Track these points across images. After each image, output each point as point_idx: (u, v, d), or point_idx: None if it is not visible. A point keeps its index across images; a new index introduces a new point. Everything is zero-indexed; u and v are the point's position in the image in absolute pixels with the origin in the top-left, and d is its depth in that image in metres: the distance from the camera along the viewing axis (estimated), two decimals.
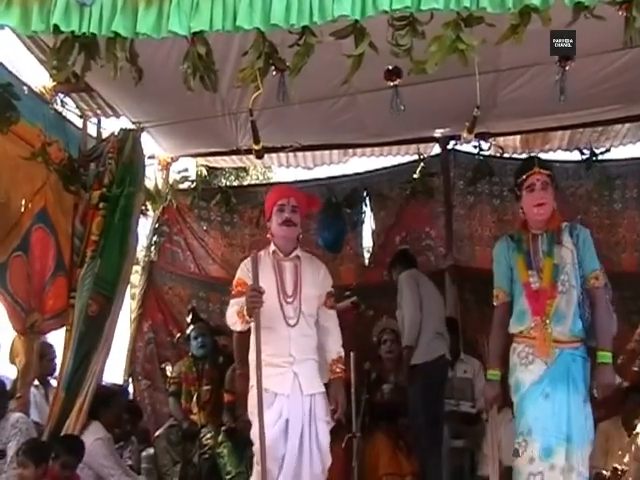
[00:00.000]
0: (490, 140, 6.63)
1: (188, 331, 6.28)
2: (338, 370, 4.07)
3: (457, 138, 6.53)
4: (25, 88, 5.17)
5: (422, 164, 6.88)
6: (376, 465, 5.18)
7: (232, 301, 3.97)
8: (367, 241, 7.25)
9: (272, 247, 4.08)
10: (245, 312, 3.75)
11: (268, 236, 4.16)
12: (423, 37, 2.91)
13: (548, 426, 3.57)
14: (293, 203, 4.06)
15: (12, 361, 5.67)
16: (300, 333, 3.92)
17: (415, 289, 5.40)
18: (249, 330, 3.93)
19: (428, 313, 5.34)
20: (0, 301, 5.17)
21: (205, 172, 7.52)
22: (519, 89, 5.34)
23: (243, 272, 4.01)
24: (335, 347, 4.11)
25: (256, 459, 3.84)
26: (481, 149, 6.68)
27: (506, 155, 6.91)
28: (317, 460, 3.85)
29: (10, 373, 5.74)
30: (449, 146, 6.77)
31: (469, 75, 3.38)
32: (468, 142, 6.41)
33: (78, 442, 4.84)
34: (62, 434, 5.00)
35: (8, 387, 5.48)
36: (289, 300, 3.95)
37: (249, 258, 3.95)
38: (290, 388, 3.85)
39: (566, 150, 6.90)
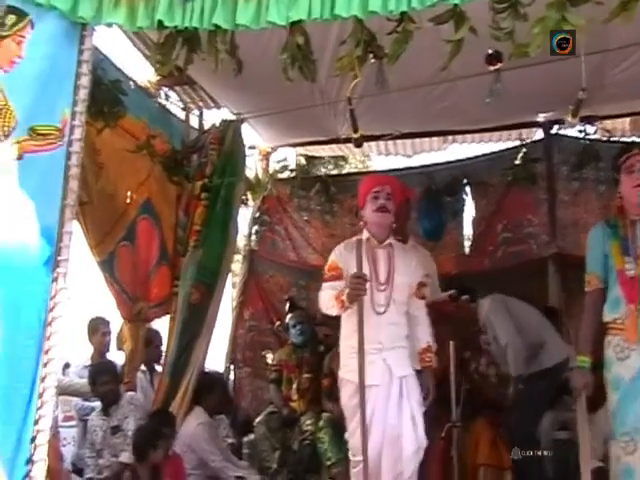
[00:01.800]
0: (597, 123, 6.39)
1: (287, 319, 6.35)
2: (427, 359, 4.06)
3: (561, 122, 6.34)
4: (131, 83, 5.32)
5: (524, 150, 6.70)
6: (475, 455, 5.11)
7: (325, 284, 3.97)
8: (467, 229, 7.15)
9: (365, 234, 4.06)
10: (346, 298, 3.75)
11: (361, 224, 4.14)
12: (525, 19, 2.83)
13: None
14: (388, 190, 4.04)
15: (120, 347, 5.90)
16: (389, 321, 3.90)
17: (505, 314, 5.26)
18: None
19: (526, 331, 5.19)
20: (108, 289, 5.36)
21: (304, 161, 7.58)
22: (629, 69, 5.11)
23: (337, 256, 4.00)
24: (424, 337, 4.09)
25: (352, 452, 3.86)
26: (587, 133, 6.45)
27: (614, 139, 6.64)
28: (411, 438, 3.82)
29: (118, 359, 5.98)
30: (553, 131, 6.57)
31: (574, 57, 3.26)
32: (573, 126, 6.21)
33: (170, 414, 5.04)
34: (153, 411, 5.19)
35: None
36: (381, 288, 3.93)
37: (343, 243, 3.95)
38: (380, 377, 3.83)
39: None
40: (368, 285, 3.83)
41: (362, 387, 3.72)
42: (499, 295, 5.42)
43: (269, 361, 6.48)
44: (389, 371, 3.86)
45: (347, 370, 3.91)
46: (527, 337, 5.15)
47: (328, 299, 3.90)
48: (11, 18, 3.19)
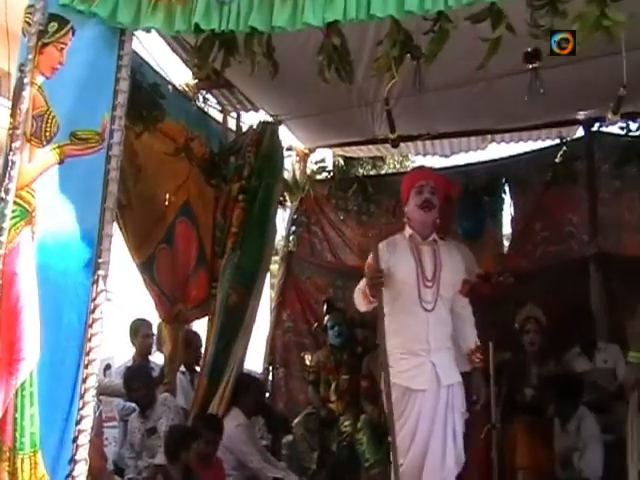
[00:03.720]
0: (639, 120, 6.28)
1: (325, 321, 6.35)
2: (477, 360, 4.01)
3: (602, 119, 6.24)
4: (170, 87, 5.36)
5: (564, 148, 6.62)
6: (513, 457, 5.05)
7: (361, 282, 3.92)
8: (506, 228, 7.08)
9: (408, 231, 3.99)
10: (368, 291, 3.74)
11: (404, 219, 4.06)
12: (564, 16, 2.79)
13: None
14: (432, 185, 3.95)
15: (159, 349, 5.96)
16: (437, 319, 3.85)
17: None
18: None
19: None
20: (148, 291, 5.41)
21: (342, 162, 7.57)
22: None
23: (377, 255, 3.90)
24: (472, 336, 4.05)
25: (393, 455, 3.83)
26: (629, 130, 6.34)
27: None
28: (451, 452, 3.77)
29: (158, 360, 6.04)
30: (594, 128, 6.48)
31: (615, 53, 3.21)
32: (614, 123, 6.12)
33: (218, 420, 5.05)
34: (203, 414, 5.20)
35: (156, 373, 5.78)
36: (428, 284, 3.86)
37: (385, 241, 3.92)
38: (428, 382, 3.78)
39: None
40: (415, 281, 3.81)
41: (387, 383, 3.68)
42: None
43: (307, 362, 6.49)
44: (437, 378, 3.80)
45: (395, 372, 3.81)
46: None
47: (356, 295, 3.92)
48: (53, 25, 3.25)
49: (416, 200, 3.95)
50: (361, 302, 3.89)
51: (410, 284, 3.82)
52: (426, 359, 3.80)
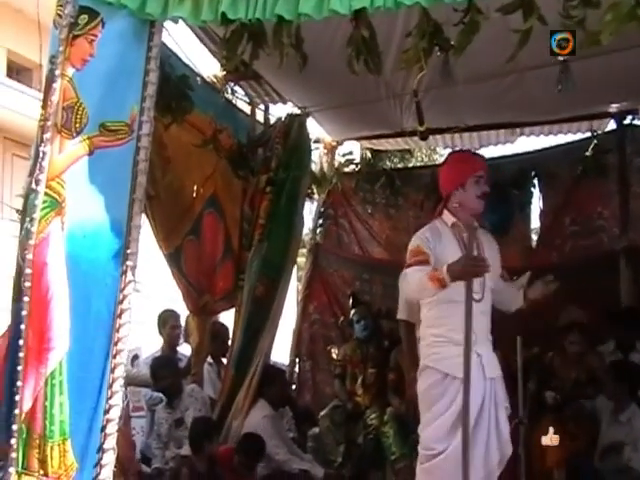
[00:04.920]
0: None
1: (351, 315, 6.34)
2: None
3: (634, 112, 6.18)
4: (198, 79, 5.36)
5: (595, 141, 6.54)
6: (543, 454, 5.00)
7: (411, 269, 3.73)
8: (535, 222, 7.02)
9: (451, 218, 3.85)
10: (461, 275, 3.54)
11: (455, 205, 3.84)
12: (597, 7, 2.75)
13: None
14: (488, 174, 3.85)
15: (187, 340, 6.00)
16: (483, 309, 3.73)
17: None
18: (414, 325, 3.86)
19: None
20: (176, 282, 5.44)
21: (370, 155, 7.55)
22: None
23: (422, 241, 3.76)
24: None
25: (424, 444, 3.77)
26: None
27: None
28: (495, 448, 3.68)
29: (186, 351, 6.08)
30: (625, 121, 6.39)
31: None
32: None
33: (261, 444, 5.05)
34: (246, 432, 5.20)
35: (183, 364, 5.82)
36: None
37: (427, 228, 3.82)
38: (474, 372, 3.61)
39: None
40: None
41: (467, 380, 3.55)
42: None
43: (334, 356, 6.49)
44: (482, 369, 3.69)
45: (433, 358, 3.73)
46: None
47: (419, 281, 3.66)
48: (83, 18, 3.27)
49: (476, 190, 3.80)
50: (425, 288, 3.65)
51: None
52: (471, 349, 3.62)
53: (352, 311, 6.34)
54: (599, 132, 6.59)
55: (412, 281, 3.74)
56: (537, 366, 5.30)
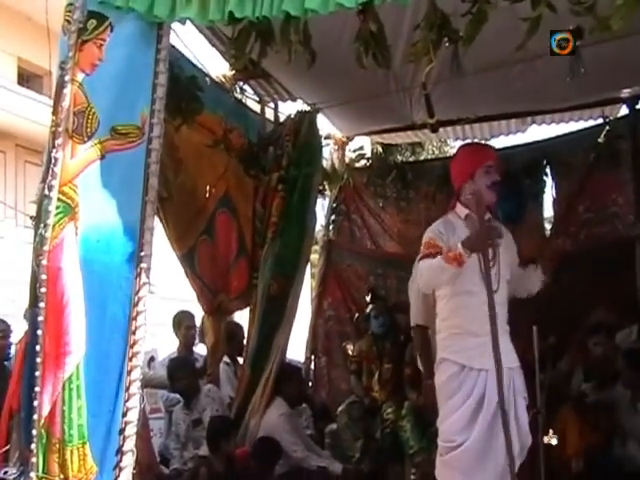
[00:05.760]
0: None
1: (368, 310, 6.33)
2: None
3: None
4: (207, 79, 5.36)
5: (607, 127, 6.49)
6: (563, 444, 4.98)
7: (424, 261, 3.71)
8: (548, 211, 6.98)
9: (464, 211, 3.83)
10: (477, 243, 3.54)
11: (469, 196, 3.80)
12: None
13: None
14: (498, 164, 3.84)
15: (202, 340, 6.00)
16: (500, 300, 3.70)
17: None
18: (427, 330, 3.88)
19: None
20: (190, 283, 5.45)
21: (380, 149, 7.53)
22: None
23: (436, 234, 3.76)
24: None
25: (444, 437, 3.76)
26: None
27: None
28: (515, 439, 3.63)
29: (202, 352, 6.09)
30: (638, 106, 6.34)
31: None
32: None
33: (276, 448, 5.07)
34: (261, 435, 5.21)
35: (200, 364, 5.82)
36: (490, 264, 3.68)
37: (440, 221, 3.81)
38: (491, 363, 3.59)
39: None
40: (477, 262, 3.62)
41: (499, 370, 3.54)
42: None
43: (349, 352, 6.48)
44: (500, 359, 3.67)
45: (451, 350, 3.72)
46: None
47: (436, 266, 3.62)
48: (92, 22, 3.28)
49: (486, 180, 3.78)
50: (443, 271, 3.61)
51: (474, 264, 3.64)
52: (487, 339, 3.59)
53: (370, 306, 6.33)
54: (611, 118, 6.54)
55: (428, 269, 3.70)
56: (554, 357, 5.26)
